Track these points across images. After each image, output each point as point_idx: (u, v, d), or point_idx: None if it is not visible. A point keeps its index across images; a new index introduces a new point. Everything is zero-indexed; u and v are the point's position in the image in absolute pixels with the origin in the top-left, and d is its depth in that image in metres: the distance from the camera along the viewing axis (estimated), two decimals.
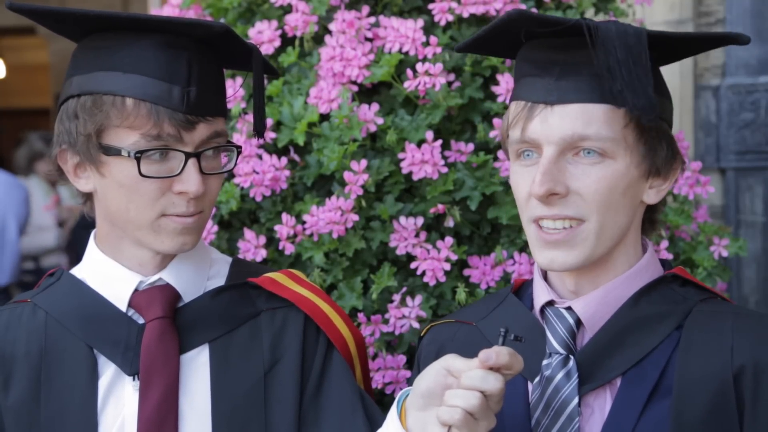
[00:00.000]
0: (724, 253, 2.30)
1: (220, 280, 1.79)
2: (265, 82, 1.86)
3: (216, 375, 1.71)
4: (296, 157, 2.22)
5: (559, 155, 1.53)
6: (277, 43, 2.29)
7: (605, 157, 1.53)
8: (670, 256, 2.25)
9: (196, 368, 1.71)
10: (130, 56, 1.62)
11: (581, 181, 1.53)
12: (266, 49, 2.28)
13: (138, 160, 1.59)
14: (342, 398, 1.73)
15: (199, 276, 1.77)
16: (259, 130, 1.73)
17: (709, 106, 3.30)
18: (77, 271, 1.79)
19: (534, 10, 2.26)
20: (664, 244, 2.22)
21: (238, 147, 1.72)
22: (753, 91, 3.23)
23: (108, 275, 1.73)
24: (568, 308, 1.61)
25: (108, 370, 1.70)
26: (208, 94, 1.64)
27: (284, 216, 2.16)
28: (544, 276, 1.67)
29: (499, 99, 2.16)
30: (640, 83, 1.48)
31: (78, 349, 1.70)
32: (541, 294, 1.66)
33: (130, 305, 1.72)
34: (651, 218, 1.67)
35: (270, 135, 2.21)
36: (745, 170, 3.25)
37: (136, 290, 1.72)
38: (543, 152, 1.54)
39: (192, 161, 1.62)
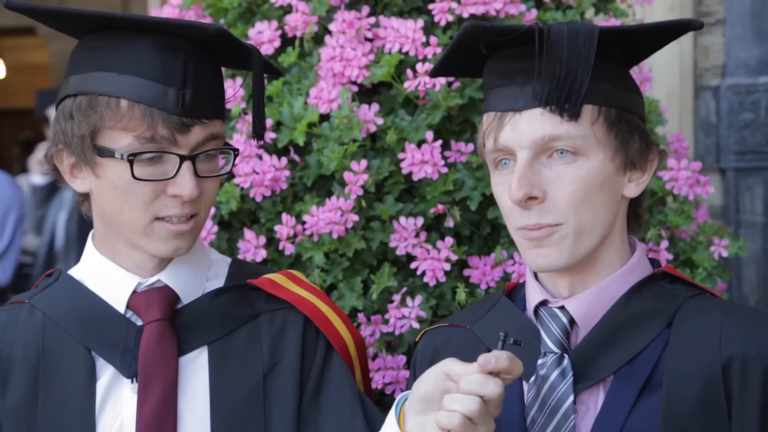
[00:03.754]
0: (724, 254, 2.30)
1: (219, 282, 1.79)
2: (266, 82, 1.85)
3: (215, 377, 1.70)
4: (296, 158, 2.22)
5: (533, 159, 1.56)
6: (277, 43, 2.29)
7: (578, 155, 1.57)
8: (670, 256, 2.25)
9: (195, 370, 1.71)
10: (126, 57, 1.61)
11: (557, 184, 1.56)
12: (266, 50, 2.28)
13: (131, 162, 1.58)
14: (341, 401, 1.73)
15: (197, 277, 1.76)
16: (258, 132, 1.72)
17: (709, 106, 3.30)
18: (75, 272, 1.79)
19: (534, 10, 2.26)
20: (664, 244, 2.22)
21: (235, 150, 1.71)
22: (753, 92, 3.23)
23: (106, 276, 1.73)
24: (561, 308, 1.63)
25: (106, 373, 1.69)
26: (205, 97, 1.63)
27: (284, 216, 2.16)
28: (536, 277, 1.69)
29: None
30: (575, 83, 1.52)
31: (76, 351, 1.70)
32: (534, 294, 1.67)
33: (128, 307, 1.71)
34: (635, 213, 1.70)
35: (270, 135, 2.21)
36: (745, 170, 3.25)
37: (134, 292, 1.71)
38: (517, 158, 1.57)
39: (187, 164, 1.61)
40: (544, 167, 1.57)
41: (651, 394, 1.56)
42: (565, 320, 1.62)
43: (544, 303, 1.66)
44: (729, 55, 3.28)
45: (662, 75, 3.19)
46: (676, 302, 1.62)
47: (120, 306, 1.71)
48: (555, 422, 1.57)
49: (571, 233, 1.57)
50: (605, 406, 1.57)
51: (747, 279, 3.23)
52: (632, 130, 1.61)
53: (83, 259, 1.78)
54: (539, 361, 1.61)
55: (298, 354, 1.74)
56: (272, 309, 1.77)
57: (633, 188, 1.64)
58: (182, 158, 1.61)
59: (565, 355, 1.60)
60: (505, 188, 1.60)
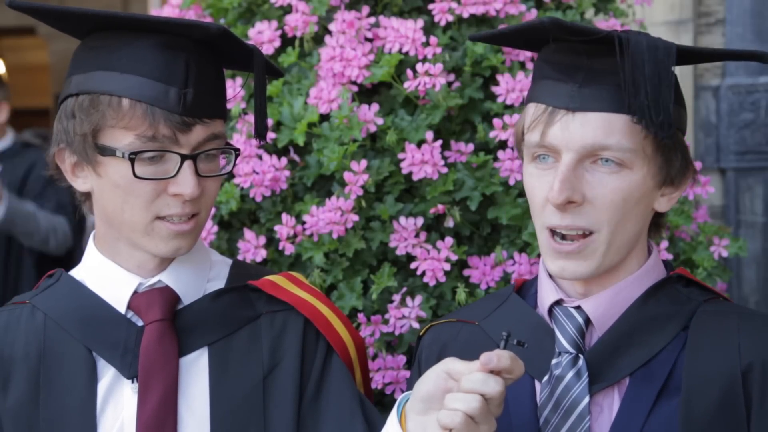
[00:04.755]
0: (724, 254, 2.30)
1: (219, 283, 1.79)
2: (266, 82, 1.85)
3: (215, 378, 1.70)
4: (296, 158, 2.22)
5: (578, 162, 1.54)
6: (277, 43, 2.29)
7: (623, 167, 1.54)
8: (669, 257, 2.25)
9: (196, 371, 1.71)
10: (128, 56, 1.61)
11: (597, 190, 1.54)
12: (266, 50, 2.28)
13: (132, 161, 1.59)
14: (341, 402, 1.73)
15: (198, 278, 1.77)
16: (260, 132, 1.72)
17: (709, 106, 3.29)
18: (76, 273, 1.79)
19: (534, 10, 2.26)
20: (664, 244, 2.22)
21: (237, 149, 1.71)
22: (753, 91, 3.23)
23: (107, 277, 1.73)
24: (578, 307, 1.63)
25: (107, 373, 1.69)
26: (207, 96, 1.63)
27: (284, 216, 2.16)
28: (550, 275, 1.68)
29: (499, 99, 2.16)
30: (663, 100, 1.49)
31: (77, 352, 1.70)
32: (549, 293, 1.66)
33: (129, 307, 1.71)
34: (657, 222, 1.69)
35: (270, 135, 2.21)
36: (745, 170, 3.25)
37: (135, 292, 1.71)
38: (562, 158, 1.54)
39: (188, 163, 1.61)
40: (586, 171, 1.54)
41: (669, 398, 1.55)
42: (580, 320, 1.62)
43: (559, 302, 1.65)
44: None
45: None
46: (691, 305, 1.62)
47: (121, 306, 1.71)
48: (570, 423, 1.56)
49: (603, 245, 1.56)
50: (623, 408, 1.57)
51: (747, 279, 3.23)
52: (677, 148, 1.59)
53: (84, 259, 1.79)
54: (553, 361, 1.60)
55: (298, 355, 1.74)
56: (273, 310, 1.77)
57: (664, 203, 1.63)
58: (183, 157, 1.61)
59: (581, 356, 1.59)
60: (540, 182, 1.57)
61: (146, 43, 1.61)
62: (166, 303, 1.71)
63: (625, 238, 1.58)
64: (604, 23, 2.36)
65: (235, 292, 1.77)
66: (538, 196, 1.58)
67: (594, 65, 1.53)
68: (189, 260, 1.74)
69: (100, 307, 1.72)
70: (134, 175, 1.59)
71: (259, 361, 1.73)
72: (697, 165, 2.30)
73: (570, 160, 1.53)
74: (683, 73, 3.29)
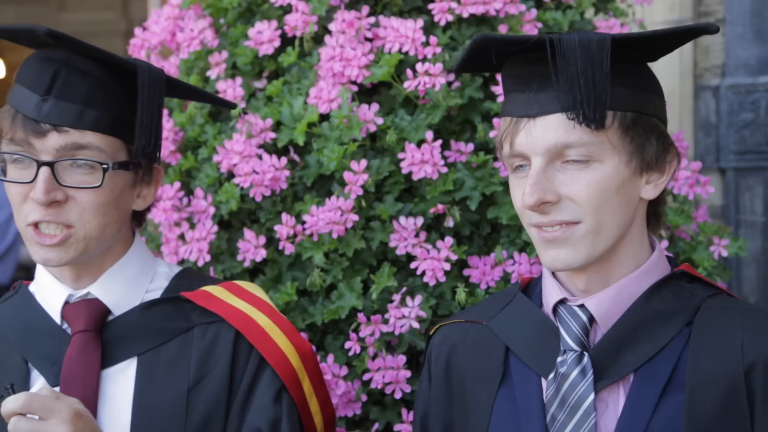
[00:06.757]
0: (724, 253, 2.30)
1: (157, 294, 1.80)
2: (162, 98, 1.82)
3: (139, 388, 1.72)
4: (296, 157, 2.22)
5: (547, 164, 1.58)
6: (277, 43, 2.29)
7: (592, 161, 1.58)
8: (669, 256, 2.25)
9: (123, 381, 1.72)
10: (23, 68, 1.72)
11: (571, 186, 1.57)
12: (266, 49, 2.28)
13: (4, 163, 1.68)
14: (260, 420, 1.71)
15: (132, 290, 1.78)
16: (145, 151, 1.69)
17: (708, 106, 3.29)
18: (32, 284, 1.84)
19: (534, 10, 2.26)
20: (664, 244, 2.22)
21: (103, 163, 1.68)
22: (753, 91, 3.23)
23: (46, 287, 1.78)
24: (581, 306, 1.64)
25: (38, 382, 1.73)
26: (74, 106, 1.66)
27: (284, 216, 2.16)
28: (554, 274, 1.69)
29: (499, 99, 2.16)
30: (597, 93, 1.53)
31: (14, 361, 1.75)
32: (553, 292, 1.68)
33: (63, 317, 1.75)
34: (655, 212, 1.70)
35: (270, 135, 2.21)
36: (745, 170, 3.25)
37: (66, 303, 1.75)
38: (531, 163, 1.59)
39: (43, 169, 1.65)
40: (558, 172, 1.58)
41: (674, 394, 1.57)
42: (584, 318, 1.63)
43: (563, 301, 1.67)
44: (729, 54, 3.28)
45: (662, 75, 3.16)
46: (695, 301, 1.63)
47: (57, 316, 1.75)
48: (576, 420, 1.58)
49: (590, 232, 1.58)
50: (628, 405, 1.58)
51: (747, 279, 3.23)
52: (649, 133, 1.61)
53: (37, 269, 1.82)
54: (558, 359, 1.62)
55: (226, 368, 1.74)
56: (206, 322, 1.77)
57: (651, 190, 1.64)
58: (39, 163, 1.65)
59: (585, 353, 1.61)
60: (519, 189, 1.62)
61: (36, 56, 1.71)
62: (92, 314, 1.73)
63: (613, 227, 1.60)
64: (604, 23, 2.36)
65: (169, 303, 1.78)
66: (517, 200, 1.63)
67: (545, 71, 1.58)
68: (122, 271, 1.77)
69: (41, 317, 1.77)
70: (3, 176, 1.68)
71: (186, 373, 1.73)
72: (697, 165, 2.31)
73: (538, 163, 1.58)
74: (684, 73, 3.29)
